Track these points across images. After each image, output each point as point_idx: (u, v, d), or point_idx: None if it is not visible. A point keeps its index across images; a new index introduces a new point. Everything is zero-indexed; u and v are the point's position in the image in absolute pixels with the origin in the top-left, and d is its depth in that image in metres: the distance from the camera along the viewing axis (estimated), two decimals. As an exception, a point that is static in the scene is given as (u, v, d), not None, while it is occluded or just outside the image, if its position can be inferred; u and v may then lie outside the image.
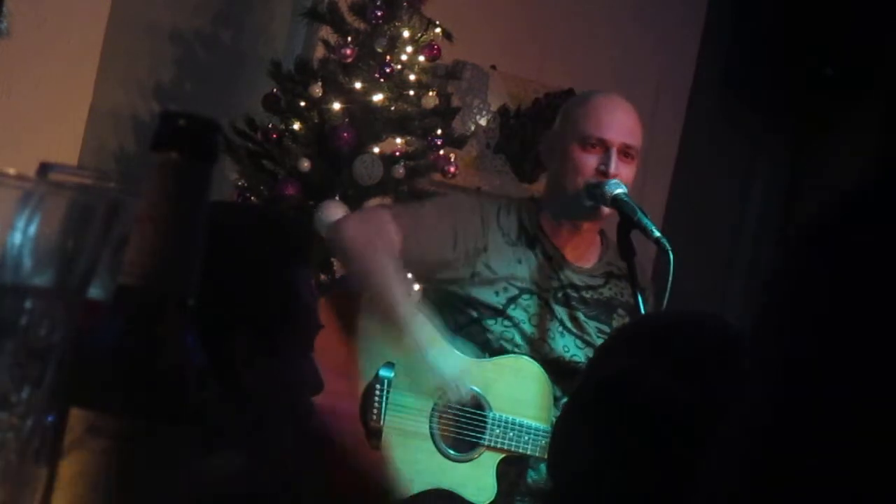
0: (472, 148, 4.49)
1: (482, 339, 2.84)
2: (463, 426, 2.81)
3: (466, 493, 2.79)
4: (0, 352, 0.68)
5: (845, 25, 4.54)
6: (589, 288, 2.91)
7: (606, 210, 2.82)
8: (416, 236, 2.81)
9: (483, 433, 2.82)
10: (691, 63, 5.01)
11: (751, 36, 4.86)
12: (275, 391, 1.52)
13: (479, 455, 2.82)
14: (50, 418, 0.72)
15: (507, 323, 2.84)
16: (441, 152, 3.88)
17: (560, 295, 2.88)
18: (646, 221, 2.70)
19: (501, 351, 2.84)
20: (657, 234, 2.68)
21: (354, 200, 3.77)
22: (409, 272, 2.91)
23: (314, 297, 1.61)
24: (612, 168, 2.78)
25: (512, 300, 2.85)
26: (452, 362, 2.78)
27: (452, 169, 3.90)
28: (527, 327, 2.85)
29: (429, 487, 2.80)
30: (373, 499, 2.77)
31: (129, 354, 0.80)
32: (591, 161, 2.81)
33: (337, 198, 3.74)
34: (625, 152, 2.82)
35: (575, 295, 2.89)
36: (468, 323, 2.86)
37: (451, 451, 2.80)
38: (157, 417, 0.78)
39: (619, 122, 2.84)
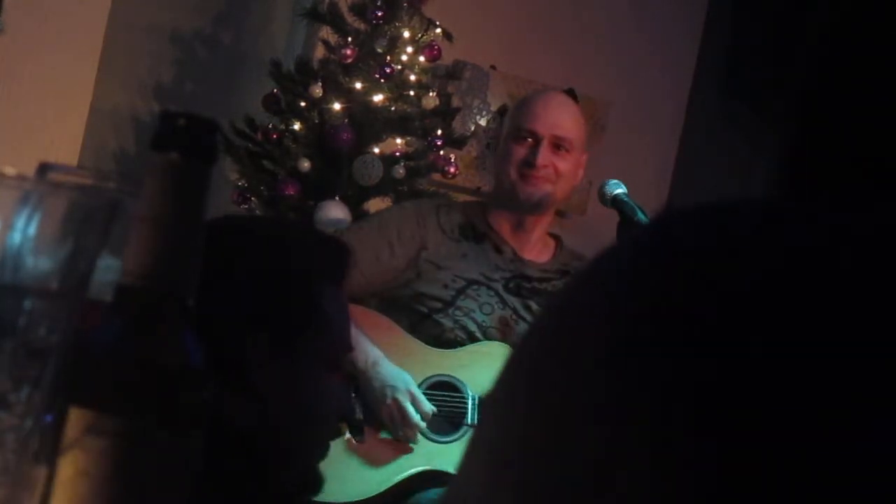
0: (472, 148, 4.49)
1: (436, 332, 2.89)
2: (444, 411, 2.85)
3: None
4: (0, 352, 0.68)
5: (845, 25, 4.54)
6: (543, 280, 2.97)
7: (541, 201, 2.94)
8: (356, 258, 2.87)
9: (465, 414, 2.85)
10: (691, 63, 5.01)
11: (751, 36, 4.86)
12: (292, 397, 1.50)
13: (465, 434, 2.85)
14: (49, 418, 0.72)
15: (458, 314, 2.90)
16: (441, 152, 3.88)
17: (511, 285, 2.96)
18: (645, 221, 2.71)
19: (457, 342, 2.88)
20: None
21: (354, 200, 3.77)
22: (356, 291, 2.95)
23: (343, 318, 1.59)
24: (540, 159, 2.91)
25: (460, 291, 2.91)
26: (400, 376, 2.80)
27: (452, 169, 3.90)
28: (478, 315, 2.92)
29: (418, 469, 2.82)
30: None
31: (129, 354, 0.80)
32: (520, 152, 2.94)
33: (337, 198, 3.74)
34: (556, 144, 2.93)
35: (527, 285, 2.96)
36: (420, 319, 2.91)
37: (436, 435, 2.83)
38: (157, 417, 0.78)
39: (549, 116, 2.95)
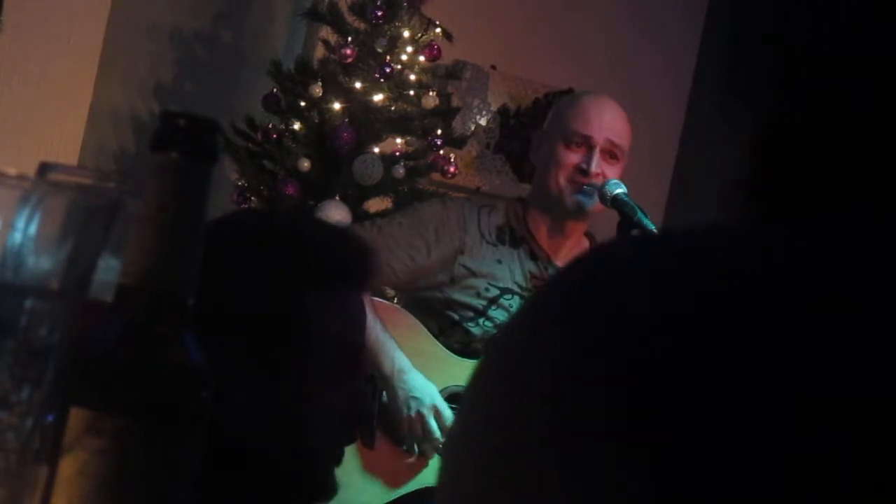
0: (472, 148, 4.49)
1: (465, 340, 2.86)
2: None
3: None
4: (0, 352, 0.68)
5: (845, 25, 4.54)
6: None
7: (590, 210, 2.85)
8: (386, 255, 2.82)
9: None
10: (691, 63, 5.01)
11: (751, 36, 4.85)
12: (278, 410, 1.41)
13: None
14: (50, 418, 0.72)
15: (488, 324, 2.85)
16: (441, 152, 3.88)
17: None
18: (646, 221, 2.70)
19: (482, 352, 2.84)
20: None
21: (354, 200, 3.77)
22: (384, 287, 2.92)
23: (354, 324, 1.48)
24: (594, 167, 2.80)
25: (493, 301, 2.86)
26: (425, 389, 2.78)
27: (452, 169, 3.90)
28: None
29: (424, 486, 2.80)
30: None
31: (128, 354, 0.80)
32: (573, 158, 2.83)
33: (337, 198, 3.74)
34: (610, 152, 2.83)
35: None
36: (450, 325, 2.87)
37: None
38: (157, 417, 0.78)
39: (604, 121, 2.85)
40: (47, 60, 3.90)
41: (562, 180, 2.83)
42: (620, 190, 2.76)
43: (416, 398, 2.74)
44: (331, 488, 1.50)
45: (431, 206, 3.01)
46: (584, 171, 2.81)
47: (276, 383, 1.42)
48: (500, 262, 2.89)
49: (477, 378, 0.56)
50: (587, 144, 2.83)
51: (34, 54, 3.88)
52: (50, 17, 3.89)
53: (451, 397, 2.83)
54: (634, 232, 2.73)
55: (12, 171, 0.67)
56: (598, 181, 2.81)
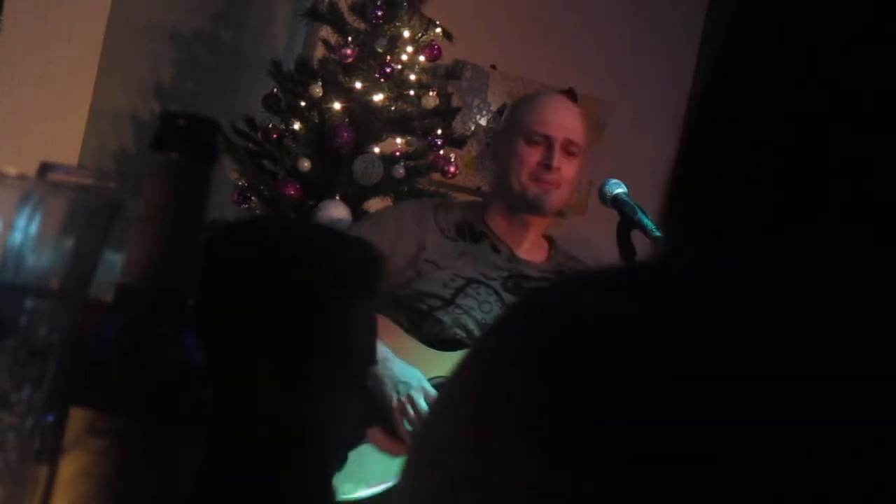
0: (472, 148, 4.49)
1: (436, 330, 2.90)
2: None
3: None
4: (0, 351, 0.68)
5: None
6: (542, 279, 2.99)
7: (550, 206, 2.98)
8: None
9: None
10: (691, 63, 5.01)
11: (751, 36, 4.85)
12: (303, 419, 1.41)
13: None
14: (50, 418, 0.73)
15: (457, 311, 2.91)
16: (441, 152, 3.88)
17: (510, 284, 2.99)
18: (646, 221, 2.71)
19: (457, 340, 2.89)
20: (657, 233, 2.70)
21: (354, 200, 3.77)
22: None
23: (369, 330, 1.50)
24: (555, 162, 2.95)
25: (460, 290, 2.94)
26: (411, 373, 2.81)
27: (452, 169, 3.90)
28: (478, 314, 2.93)
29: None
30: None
31: (129, 354, 0.80)
32: (534, 156, 2.96)
33: (337, 198, 3.74)
34: (568, 149, 2.97)
35: (526, 284, 2.99)
36: (420, 318, 2.91)
37: None
38: (157, 417, 0.78)
39: (562, 120, 3.00)
40: (47, 60, 3.90)
41: (524, 177, 2.96)
42: (620, 190, 2.77)
43: (403, 382, 2.79)
44: (333, 494, 1.50)
45: (389, 212, 3.16)
46: (546, 167, 2.94)
47: (290, 392, 1.42)
48: (463, 254, 2.99)
49: (453, 375, 0.57)
50: (547, 142, 2.96)
51: (34, 54, 3.88)
52: (50, 17, 3.89)
53: (436, 388, 2.86)
54: (634, 232, 2.73)
55: (12, 171, 0.67)
56: (559, 176, 2.95)
